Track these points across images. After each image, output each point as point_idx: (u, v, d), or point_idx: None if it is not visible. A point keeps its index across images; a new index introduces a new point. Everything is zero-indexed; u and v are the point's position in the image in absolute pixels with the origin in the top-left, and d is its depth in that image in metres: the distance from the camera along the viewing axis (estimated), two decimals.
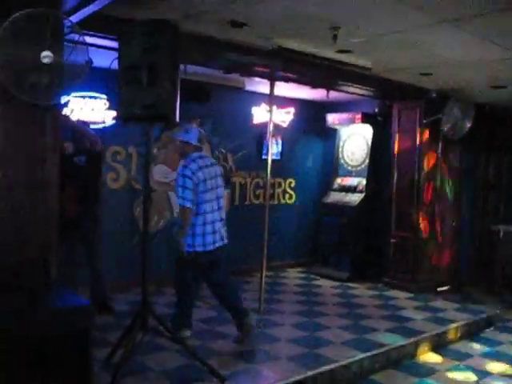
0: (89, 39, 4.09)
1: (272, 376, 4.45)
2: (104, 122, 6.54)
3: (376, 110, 8.51)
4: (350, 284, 8.03)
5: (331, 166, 9.13)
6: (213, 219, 5.03)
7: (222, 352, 4.91)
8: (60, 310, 3.01)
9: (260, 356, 4.89)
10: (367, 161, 8.55)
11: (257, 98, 8.05)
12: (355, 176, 8.70)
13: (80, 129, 5.69)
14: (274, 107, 6.64)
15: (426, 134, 7.72)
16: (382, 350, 5.20)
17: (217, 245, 5.06)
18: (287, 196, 9.09)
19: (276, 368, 4.64)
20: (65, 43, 3.55)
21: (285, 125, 8.46)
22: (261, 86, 7.12)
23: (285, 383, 4.30)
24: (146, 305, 4.20)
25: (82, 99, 6.35)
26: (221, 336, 5.38)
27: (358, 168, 8.71)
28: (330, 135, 9.24)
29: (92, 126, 6.40)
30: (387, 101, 8.13)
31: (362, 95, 7.70)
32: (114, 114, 6.47)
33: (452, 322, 6.29)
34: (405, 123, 7.91)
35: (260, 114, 8.15)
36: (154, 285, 6.36)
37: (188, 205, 4.77)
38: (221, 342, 5.19)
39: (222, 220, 5.17)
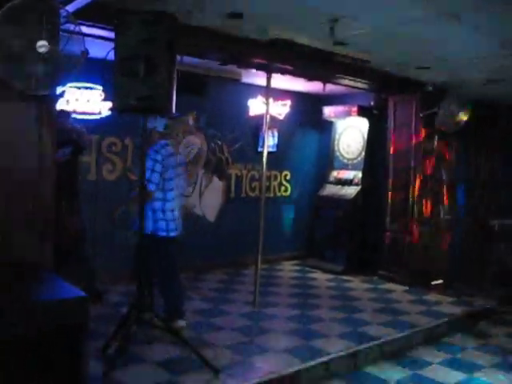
0: (85, 29, 4.07)
1: (266, 368, 4.46)
2: (100, 113, 6.51)
3: (372, 103, 8.51)
4: (345, 277, 8.05)
5: (327, 158, 9.13)
6: (179, 206, 5.19)
7: (216, 344, 4.92)
8: (54, 302, 2.99)
9: (254, 348, 4.90)
10: (363, 154, 8.56)
11: (253, 90, 8.03)
12: (351, 169, 8.71)
13: (64, 127, 5.49)
14: (271, 99, 6.63)
15: (422, 128, 7.71)
16: (377, 342, 5.22)
17: (171, 234, 5.14)
18: (283, 189, 9.09)
19: (270, 360, 4.65)
20: (61, 33, 3.52)
21: (281, 117, 8.46)
22: (257, 78, 7.10)
23: (279, 375, 4.32)
24: (141, 296, 4.20)
25: (77, 90, 6.32)
26: (215, 327, 5.39)
27: (354, 161, 8.71)
28: (325, 128, 9.24)
29: (87, 117, 6.39)
30: (383, 94, 8.12)
31: (358, 88, 7.69)
32: (109, 104, 6.43)
33: (446, 315, 6.31)
34: (401, 117, 7.91)
35: (256, 106, 8.13)
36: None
37: (152, 188, 4.82)
38: (215, 334, 5.19)
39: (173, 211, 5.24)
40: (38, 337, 2.83)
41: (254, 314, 5.92)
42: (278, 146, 8.65)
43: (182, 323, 5.12)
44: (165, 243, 5.03)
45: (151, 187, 4.80)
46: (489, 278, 8.11)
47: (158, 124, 5.04)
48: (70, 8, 3.69)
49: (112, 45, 3.96)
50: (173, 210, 5.05)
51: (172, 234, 5.05)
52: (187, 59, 5.70)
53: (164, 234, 5.00)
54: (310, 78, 7.18)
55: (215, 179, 8.13)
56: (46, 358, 2.92)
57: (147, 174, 4.74)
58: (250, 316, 5.86)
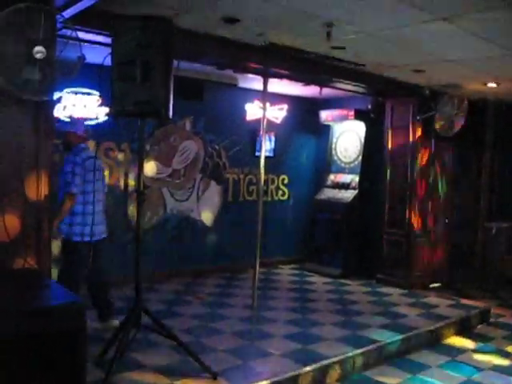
0: (82, 35, 4.07)
1: (265, 372, 4.45)
2: (97, 118, 6.52)
3: (369, 107, 8.52)
4: (343, 280, 8.05)
5: (324, 162, 9.14)
6: (100, 211, 5.13)
7: (214, 348, 4.91)
8: (52, 308, 2.99)
9: (253, 352, 4.89)
10: (360, 157, 8.57)
11: (250, 94, 8.04)
12: (348, 173, 8.72)
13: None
14: (268, 104, 6.64)
15: (419, 131, 7.73)
16: (375, 346, 5.22)
17: (102, 236, 5.14)
18: (280, 193, 9.09)
19: (269, 364, 4.64)
20: (57, 39, 3.52)
21: (278, 121, 8.46)
22: (254, 82, 7.11)
23: (278, 379, 4.31)
24: (140, 301, 4.20)
25: (74, 95, 6.32)
26: (214, 332, 5.38)
27: (351, 165, 8.72)
28: (323, 132, 9.24)
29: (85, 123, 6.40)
30: (380, 97, 8.13)
31: (355, 92, 7.71)
32: (106, 110, 6.44)
33: (445, 318, 6.30)
34: (398, 120, 7.92)
35: (253, 110, 8.14)
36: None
37: (75, 190, 4.82)
38: (213, 338, 5.18)
39: (102, 213, 5.20)
40: (38, 339, 2.83)
41: (252, 318, 5.92)
42: (275, 150, 8.68)
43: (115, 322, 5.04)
44: (77, 248, 4.94)
45: (74, 190, 4.81)
46: (487, 281, 8.12)
47: (78, 128, 5.07)
48: (67, 14, 3.70)
49: (109, 50, 3.97)
50: (93, 214, 4.89)
51: (86, 238, 4.93)
52: (184, 64, 5.71)
53: (78, 239, 4.92)
54: (307, 83, 7.19)
55: (213, 184, 8.13)
56: (46, 359, 2.92)
57: (68, 177, 4.81)
58: (248, 320, 5.85)
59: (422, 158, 7.83)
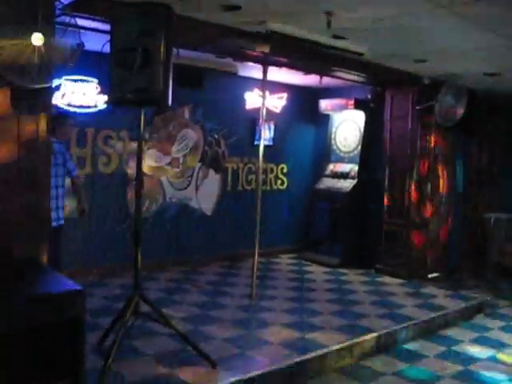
0: (80, 22, 4.04)
1: (263, 361, 4.47)
2: (96, 106, 6.49)
3: (369, 97, 8.50)
4: (342, 270, 8.06)
5: (323, 151, 9.13)
6: (60, 196, 5.13)
7: (213, 336, 4.93)
8: (51, 296, 2.98)
9: (252, 341, 4.90)
10: (360, 147, 8.56)
11: (250, 83, 8.00)
12: (348, 162, 8.70)
13: None
14: (267, 93, 6.61)
15: (419, 121, 7.71)
16: (373, 335, 5.23)
17: (60, 222, 5.13)
18: (279, 182, 9.08)
19: (268, 353, 4.65)
20: (56, 26, 3.50)
21: (277, 110, 8.43)
22: (254, 71, 7.08)
23: (276, 368, 4.33)
24: (138, 289, 4.20)
25: (73, 83, 6.29)
26: (212, 320, 5.40)
27: (351, 154, 8.71)
28: (322, 121, 9.22)
29: (83, 110, 6.38)
30: (380, 87, 8.11)
31: (355, 81, 7.68)
32: (105, 97, 6.41)
33: (442, 308, 6.32)
34: (397, 110, 7.90)
35: (253, 99, 8.10)
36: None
37: None
38: (212, 327, 5.20)
39: (62, 198, 5.20)
40: (36, 329, 2.83)
41: (251, 307, 5.93)
42: (274, 139, 8.66)
43: None
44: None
45: None
46: (485, 272, 8.14)
47: None
48: (65, 0, 3.67)
49: (108, 37, 3.94)
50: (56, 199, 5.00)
51: (54, 223, 4.95)
52: (184, 52, 5.67)
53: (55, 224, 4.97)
54: (307, 71, 7.16)
55: (212, 172, 8.12)
56: (44, 349, 2.92)
57: None
58: (247, 309, 5.87)
59: (422, 147, 7.81)
